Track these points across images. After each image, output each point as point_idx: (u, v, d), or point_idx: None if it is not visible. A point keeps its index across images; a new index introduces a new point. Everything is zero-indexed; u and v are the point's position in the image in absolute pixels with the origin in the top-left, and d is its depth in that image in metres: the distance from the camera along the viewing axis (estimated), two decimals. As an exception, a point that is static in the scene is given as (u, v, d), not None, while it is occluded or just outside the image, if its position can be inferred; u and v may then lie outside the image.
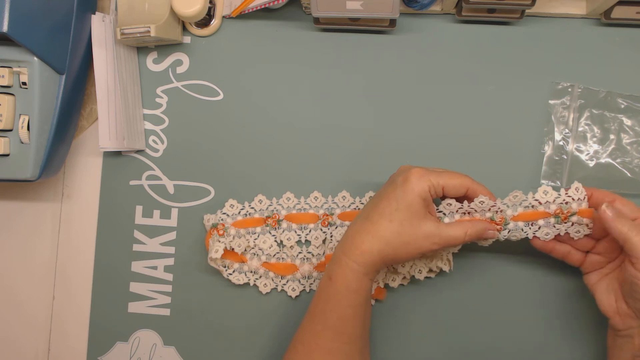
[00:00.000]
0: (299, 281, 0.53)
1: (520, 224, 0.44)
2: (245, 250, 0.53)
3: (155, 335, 0.55)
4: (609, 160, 0.51)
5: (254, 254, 0.53)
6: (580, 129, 0.51)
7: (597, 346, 0.50)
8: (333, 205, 0.53)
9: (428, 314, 0.53)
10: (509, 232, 0.45)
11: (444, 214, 0.45)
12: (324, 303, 0.45)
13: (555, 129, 0.51)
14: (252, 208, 0.54)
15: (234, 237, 0.52)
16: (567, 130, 0.51)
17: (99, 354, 0.56)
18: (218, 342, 0.55)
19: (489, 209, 0.44)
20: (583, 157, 0.51)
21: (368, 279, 0.44)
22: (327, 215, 0.52)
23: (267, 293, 0.54)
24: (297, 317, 0.54)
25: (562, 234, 0.44)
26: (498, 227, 0.44)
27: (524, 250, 0.52)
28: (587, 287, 0.46)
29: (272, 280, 0.53)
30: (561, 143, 0.51)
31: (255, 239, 0.53)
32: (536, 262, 0.51)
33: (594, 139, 0.51)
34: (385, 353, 0.53)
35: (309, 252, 0.53)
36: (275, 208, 0.53)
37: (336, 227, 0.52)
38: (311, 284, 0.53)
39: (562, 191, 0.43)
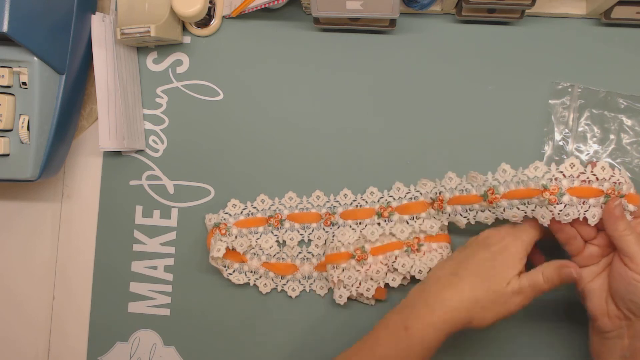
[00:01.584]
0: (299, 281, 0.53)
1: (575, 199, 0.41)
2: (246, 250, 0.53)
3: (155, 335, 0.55)
4: (609, 160, 0.51)
5: (254, 254, 0.53)
6: (580, 129, 0.51)
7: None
8: (335, 203, 0.53)
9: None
10: (564, 206, 0.41)
11: (499, 182, 0.44)
12: (391, 350, 0.42)
13: (555, 129, 0.51)
14: (255, 208, 0.54)
15: (236, 237, 0.52)
16: (567, 130, 0.51)
17: (99, 354, 0.56)
18: (218, 342, 0.55)
19: (543, 176, 0.42)
20: (583, 157, 0.51)
21: (446, 336, 0.42)
22: (329, 214, 0.52)
23: (267, 293, 0.54)
24: (297, 317, 0.54)
25: None
26: (552, 196, 0.41)
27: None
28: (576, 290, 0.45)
29: (272, 280, 0.53)
30: (561, 143, 0.51)
31: (257, 239, 0.53)
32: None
33: (594, 139, 0.51)
34: (385, 353, 0.53)
35: (309, 252, 0.53)
36: (277, 208, 0.53)
37: (338, 227, 0.52)
38: (311, 284, 0.53)
39: (617, 170, 0.42)
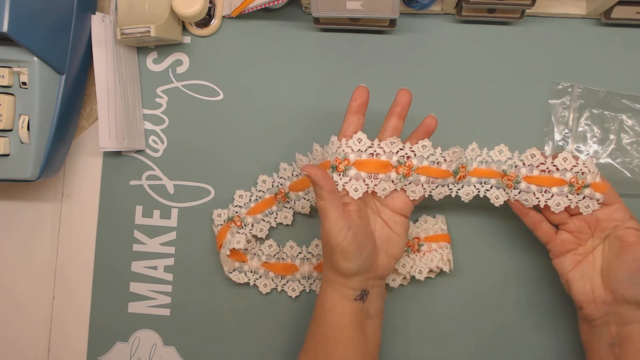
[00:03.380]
0: (299, 281, 0.53)
1: (533, 187, 0.43)
2: (267, 234, 0.54)
3: (155, 335, 0.55)
4: (609, 160, 0.51)
5: (254, 254, 0.53)
6: (580, 129, 0.51)
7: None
8: (313, 161, 0.51)
9: (428, 314, 0.53)
10: (519, 192, 0.43)
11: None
12: (312, 322, 0.45)
13: (555, 129, 0.51)
14: (260, 191, 0.54)
15: (252, 225, 0.53)
16: (566, 131, 0.51)
17: (99, 354, 0.56)
18: (218, 342, 0.55)
19: (505, 161, 0.44)
20: (583, 157, 0.51)
21: (341, 298, 0.43)
22: None
23: (267, 293, 0.54)
24: (297, 317, 0.54)
25: (572, 206, 0.43)
26: (509, 182, 0.43)
27: (526, 248, 0.52)
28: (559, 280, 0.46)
29: (272, 280, 0.53)
30: (561, 143, 0.51)
31: (275, 218, 0.53)
32: (540, 261, 0.52)
33: (594, 139, 0.51)
34: (385, 353, 0.53)
35: (309, 252, 0.53)
36: (279, 182, 0.53)
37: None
38: (311, 284, 0.53)
39: (580, 160, 0.43)
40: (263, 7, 0.51)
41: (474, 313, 0.52)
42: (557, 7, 0.51)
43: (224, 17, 0.55)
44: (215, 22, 0.55)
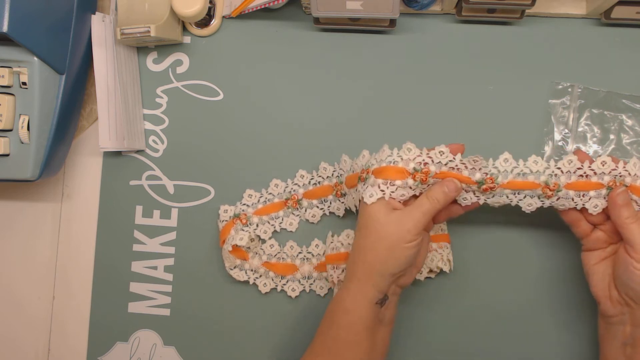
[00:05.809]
0: (299, 281, 0.53)
1: (572, 193, 0.43)
2: (270, 236, 0.54)
3: (155, 335, 0.55)
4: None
5: (255, 253, 0.53)
6: (580, 129, 0.51)
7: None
8: (340, 171, 0.52)
9: (428, 314, 0.53)
10: (558, 199, 0.43)
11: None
12: (324, 323, 0.45)
13: (555, 129, 0.51)
14: (270, 194, 0.54)
15: (257, 225, 0.53)
16: (566, 131, 0.51)
17: (99, 354, 0.56)
18: (218, 342, 0.55)
19: (544, 171, 0.43)
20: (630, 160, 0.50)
21: (364, 299, 0.43)
22: (338, 184, 0.52)
23: (266, 293, 0.54)
24: (296, 317, 0.54)
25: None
26: (550, 192, 0.43)
27: (526, 248, 0.52)
28: (582, 271, 0.46)
29: (272, 280, 0.53)
30: (561, 143, 0.51)
31: (280, 223, 0.53)
32: (540, 261, 0.52)
33: (594, 139, 0.51)
34: (385, 353, 0.53)
35: (309, 252, 0.53)
36: (292, 189, 0.54)
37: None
38: (311, 284, 0.53)
39: (621, 164, 0.43)
40: (263, 7, 0.51)
41: (473, 313, 0.52)
42: (557, 7, 0.51)
43: (224, 17, 0.55)
44: (215, 22, 0.55)
